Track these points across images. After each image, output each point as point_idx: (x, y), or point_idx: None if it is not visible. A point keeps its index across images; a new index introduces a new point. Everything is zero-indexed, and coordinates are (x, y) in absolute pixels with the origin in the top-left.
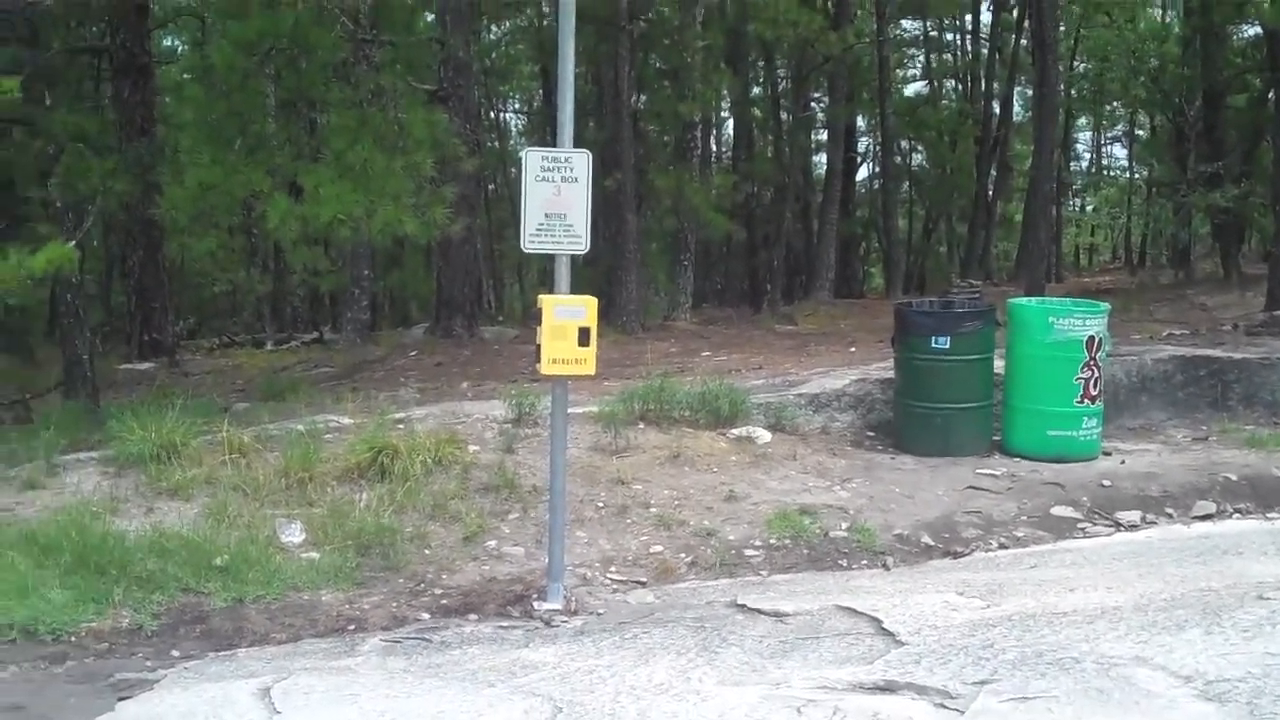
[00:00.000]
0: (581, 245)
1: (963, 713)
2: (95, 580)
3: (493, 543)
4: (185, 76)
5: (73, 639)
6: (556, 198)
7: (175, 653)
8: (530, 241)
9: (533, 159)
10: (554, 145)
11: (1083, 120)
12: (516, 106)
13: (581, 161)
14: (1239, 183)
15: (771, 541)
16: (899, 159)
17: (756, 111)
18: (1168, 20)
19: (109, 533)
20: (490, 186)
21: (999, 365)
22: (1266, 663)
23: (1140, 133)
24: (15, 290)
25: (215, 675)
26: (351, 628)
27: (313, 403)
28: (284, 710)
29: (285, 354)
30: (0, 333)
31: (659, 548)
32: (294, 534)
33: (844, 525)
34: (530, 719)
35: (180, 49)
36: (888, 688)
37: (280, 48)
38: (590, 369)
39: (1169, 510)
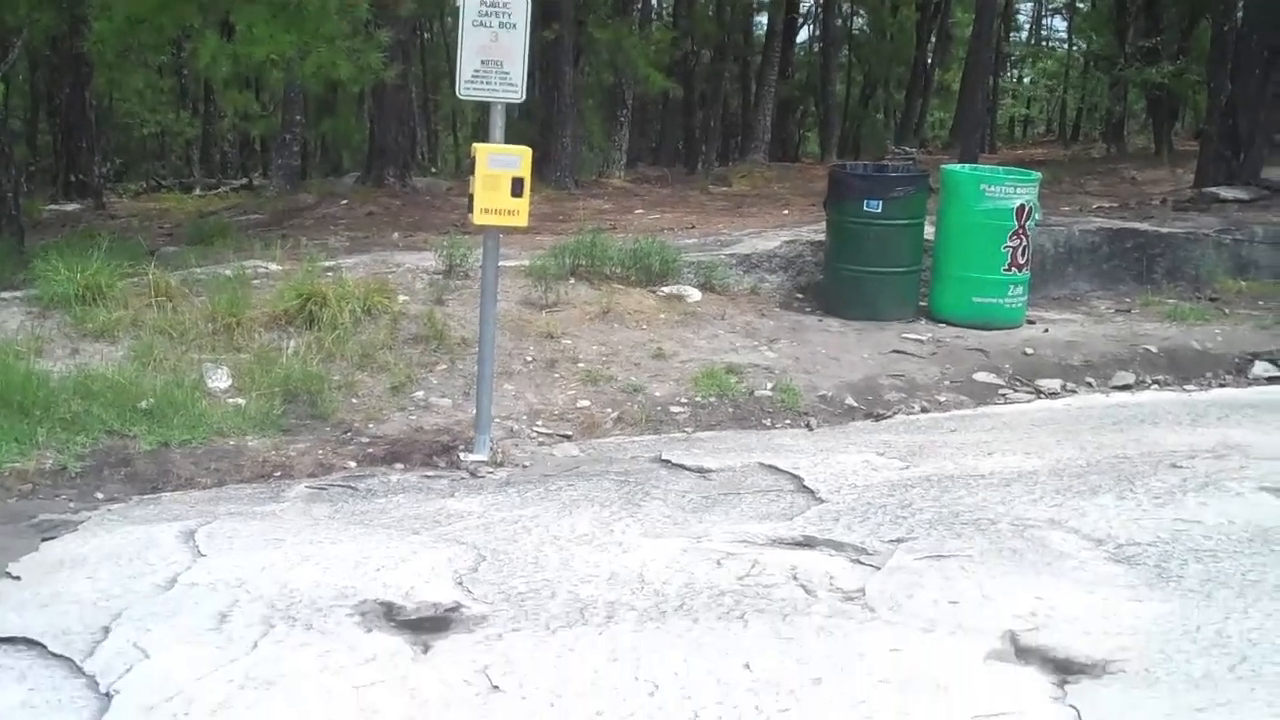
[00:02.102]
0: (517, 94)
1: (878, 569)
2: (18, 420)
3: (420, 393)
4: None
5: None
6: (494, 44)
7: (99, 495)
8: (465, 88)
9: (470, 3)
10: None
11: None
12: None
13: (520, 7)
14: (1176, 60)
15: (697, 399)
16: (840, 22)
17: None
18: None
19: (32, 373)
20: (426, 35)
21: (929, 231)
22: (1176, 528)
23: (1081, 5)
24: None
25: (140, 518)
26: (277, 474)
27: (241, 248)
28: (208, 553)
29: (213, 199)
30: None
31: (586, 403)
32: (220, 379)
33: (769, 385)
34: (454, 566)
35: None
36: (806, 543)
37: None
38: (523, 221)
39: (1089, 379)
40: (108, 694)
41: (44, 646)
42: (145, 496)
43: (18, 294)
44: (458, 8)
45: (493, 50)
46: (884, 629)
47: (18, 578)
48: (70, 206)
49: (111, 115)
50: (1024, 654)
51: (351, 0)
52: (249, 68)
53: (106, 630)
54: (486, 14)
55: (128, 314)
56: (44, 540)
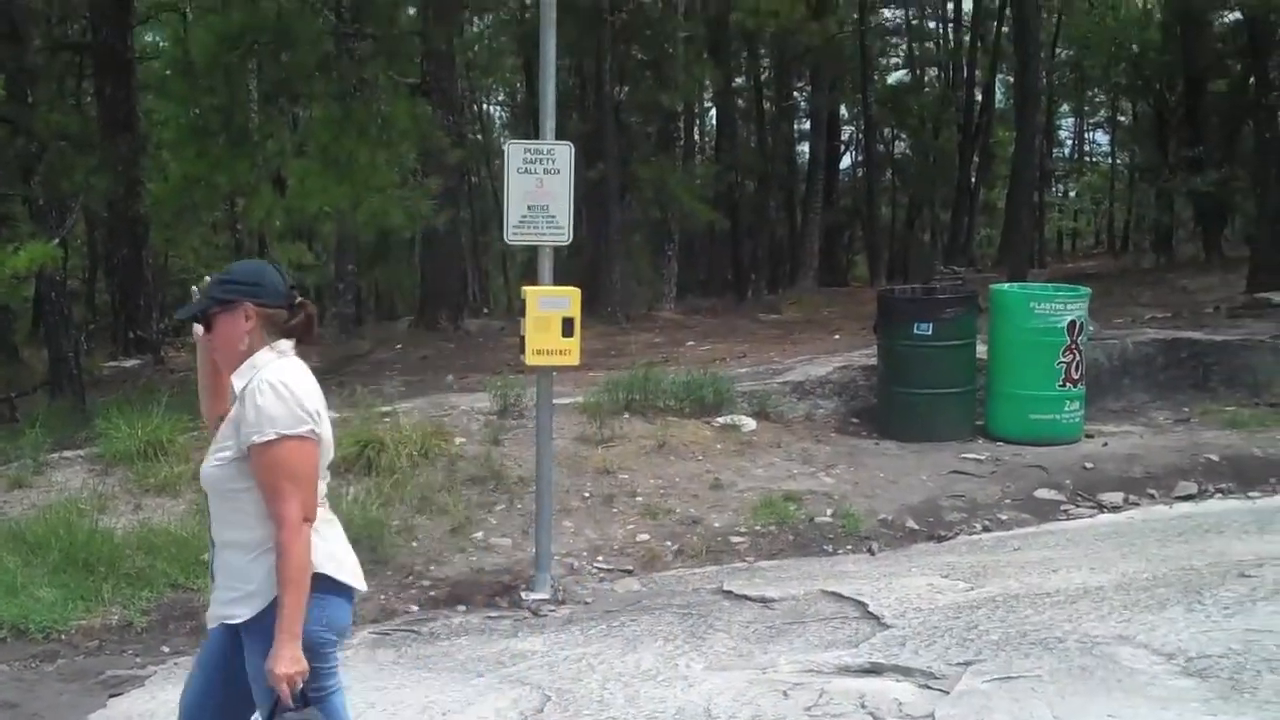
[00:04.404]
0: (564, 236)
1: (947, 693)
2: (84, 578)
3: (480, 534)
4: (167, 72)
5: (63, 637)
6: (539, 189)
7: (165, 649)
8: (513, 233)
9: (515, 151)
10: (537, 137)
11: (1065, 107)
12: (501, 99)
13: (564, 153)
14: (1220, 167)
15: (757, 528)
16: (882, 147)
17: (739, 101)
18: (1149, 6)
19: (97, 530)
20: (473, 179)
21: (982, 350)
22: (1248, 639)
23: (1122, 119)
24: None
25: None
26: None
27: None
28: None
29: None
30: None
31: (645, 536)
32: None
33: (829, 511)
34: (519, 708)
35: (161, 44)
36: (873, 670)
37: (262, 41)
38: (574, 359)
39: (1151, 491)
40: None
41: None
42: None
43: (80, 452)
44: (503, 154)
45: (538, 195)
46: None
47: None
48: (130, 363)
49: (168, 271)
50: None
51: (401, 151)
52: (302, 220)
53: None
54: (531, 161)
55: (189, 468)
56: (111, 696)
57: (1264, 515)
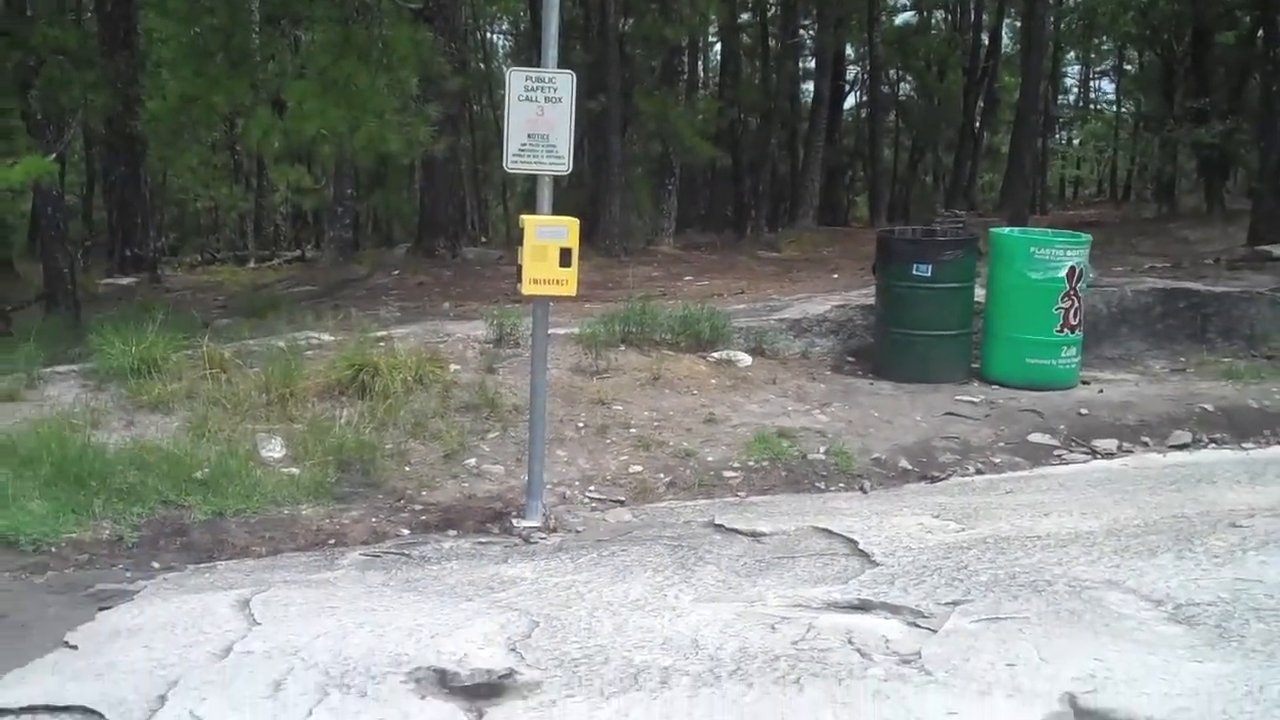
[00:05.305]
0: (564, 166)
1: (934, 632)
2: (75, 492)
3: (473, 461)
4: None
5: (53, 549)
6: (540, 118)
7: (155, 564)
8: (513, 161)
9: (516, 78)
10: (539, 66)
11: (1071, 54)
12: (504, 27)
13: (565, 82)
14: (1225, 119)
15: (750, 463)
16: (886, 88)
17: (745, 37)
18: None
19: (89, 445)
20: (475, 107)
21: (980, 294)
22: (1236, 588)
23: (1129, 68)
24: None
25: (195, 587)
26: (331, 542)
27: (294, 320)
28: (263, 621)
29: (267, 271)
30: None
31: (638, 468)
32: (274, 449)
33: (822, 448)
34: (507, 632)
35: None
36: (861, 607)
37: None
38: (571, 290)
39: (1145, 439)
40: None
41: (101, 715)
42: (200, 565)
43: (74, 368)
44: (505, 82)
45: (539, 124)
46: (940, 692)
47: (75, 647)
48: (126, 280)
49: (166, 190)
50: (1083, 716)
51: (401, 76)
52: (300, 143)
53: (162, 699)
54: (532, 89)
55: (182, 386)
56: (101, 610)
57: (1256, 466)
